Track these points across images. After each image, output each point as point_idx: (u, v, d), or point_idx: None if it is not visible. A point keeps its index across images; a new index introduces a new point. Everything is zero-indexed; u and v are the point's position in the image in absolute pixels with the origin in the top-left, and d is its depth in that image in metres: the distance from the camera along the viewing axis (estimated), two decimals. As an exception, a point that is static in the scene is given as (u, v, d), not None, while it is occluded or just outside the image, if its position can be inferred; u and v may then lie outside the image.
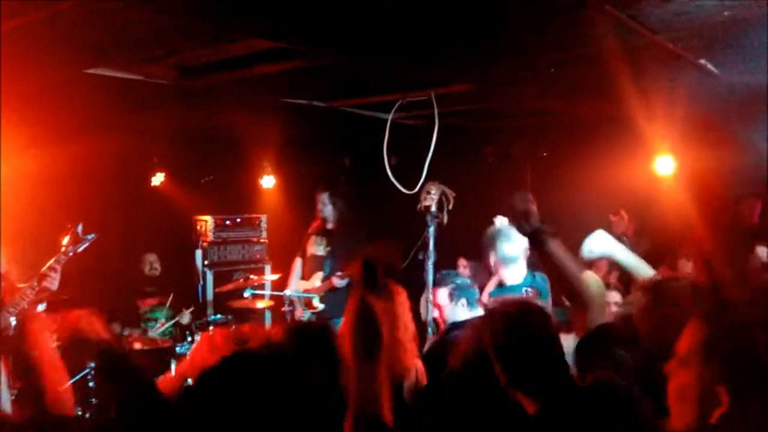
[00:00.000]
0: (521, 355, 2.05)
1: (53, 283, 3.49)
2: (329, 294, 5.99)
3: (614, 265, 5.40)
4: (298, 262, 6.47)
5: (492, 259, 4.26)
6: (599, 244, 3.28)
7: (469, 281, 4.00)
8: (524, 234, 2.35)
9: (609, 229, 5.70)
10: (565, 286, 2.32)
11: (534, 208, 2.34)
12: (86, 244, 3.76)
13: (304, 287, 6.24)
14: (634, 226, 6.62)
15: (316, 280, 6.15)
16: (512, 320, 2.12)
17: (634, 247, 5.72)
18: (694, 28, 2.93)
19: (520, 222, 2.33)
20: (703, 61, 3.60)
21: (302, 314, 6.14)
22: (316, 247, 6.35)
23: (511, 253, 4.17)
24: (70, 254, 3.64)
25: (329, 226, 6.31)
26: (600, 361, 2.06)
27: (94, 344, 2.12)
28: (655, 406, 1.80)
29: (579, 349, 2.15)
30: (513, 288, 4.18)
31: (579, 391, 2.00)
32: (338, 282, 5.94)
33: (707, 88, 4.28)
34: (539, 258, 2.37)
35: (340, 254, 6.13)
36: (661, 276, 2.56)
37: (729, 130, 5.27)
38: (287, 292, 6.23)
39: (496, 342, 2.10)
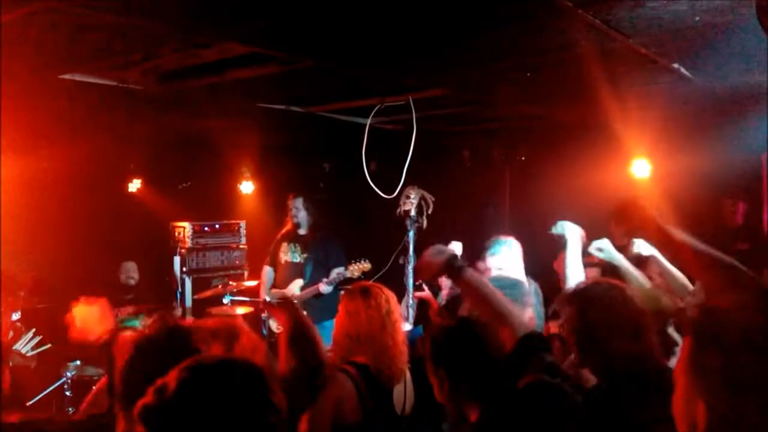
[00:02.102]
0: (465, 367, 2.18)
1: None
2: (311, 299, 5.94)
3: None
4: (267, 270, 6.38)
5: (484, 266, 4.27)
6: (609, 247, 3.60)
7: None
8: (443, 270, 2.49)
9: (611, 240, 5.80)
10: (486, 307, 2.40)
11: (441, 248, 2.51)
12: None
13: (281, 295, 6.19)
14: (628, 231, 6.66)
15: (296, 288, 6.09)
16: (455, 332, 2.26)
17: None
18: (667, 33, 2.97)
19: (437, 267, 2.47)
20: (676, 66, 3.64)
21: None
22: (291, 254, 6.29)
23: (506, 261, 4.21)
24: None
25: (301, 231, 6.27)
26: (530, 366, 2.17)
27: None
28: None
29: (509, 361, 2.25)
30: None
31: (516, 392, 2.12)
32: (325, 288, 5.89)
33: (682, 92, 4.33)
34: (461, 287, 2.52)
35: (319, 260, 6.10)
36: (584, 283, 2.62)
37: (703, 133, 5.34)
38: (266, 298, 6.18)
39: (440, 357, 2.23)
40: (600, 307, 2.32)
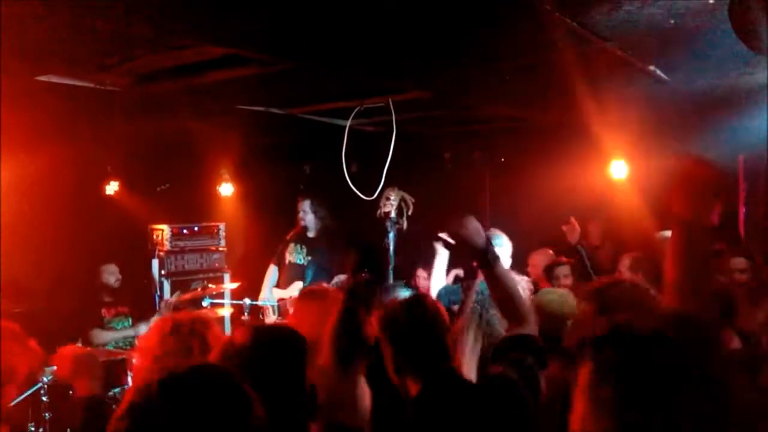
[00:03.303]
0: (412, 340, 2.21)
1: None
2: None
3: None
4: (272, 270, 6.31)
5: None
6: None
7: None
8: (474, 254, 2.38)
9: (562, 239, 5.83)
10: (509, 304, 2.39)
11: (482, 231, 2.38)
12: None
13: (280, 296, 6.13)
14: (600, 231, 6.73)
15: (295, 290, 6.02)
16: (405, 308, 2.29)
17: (593, 254, 5.83)
18: (642, 36, 3.00)
19: (470, 243, 2.35)
20: (652, 68, 3.68)
21: (274, 321, 6.02)
22: (296, 255, 6.23)
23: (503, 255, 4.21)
24: None
25: (310, 234, 6.21)
26: (501, 360, 2.23)
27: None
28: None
29: (492, 356, 2.30)
30: None
31: (461, 378, 2.20)
32: None
33: (658, 95, 4.38)
34: (487, 277, 2.42)
35: (323, 264, 6.03)
36: (600, 282, 2.57)
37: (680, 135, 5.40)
38: (247, 300, 6.13)
39: (390, 327, 2.26)
40: (620, 306, 2.27)
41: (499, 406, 2.09)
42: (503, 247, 4.26)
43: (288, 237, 6.30)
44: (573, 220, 5.74)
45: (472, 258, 2.42)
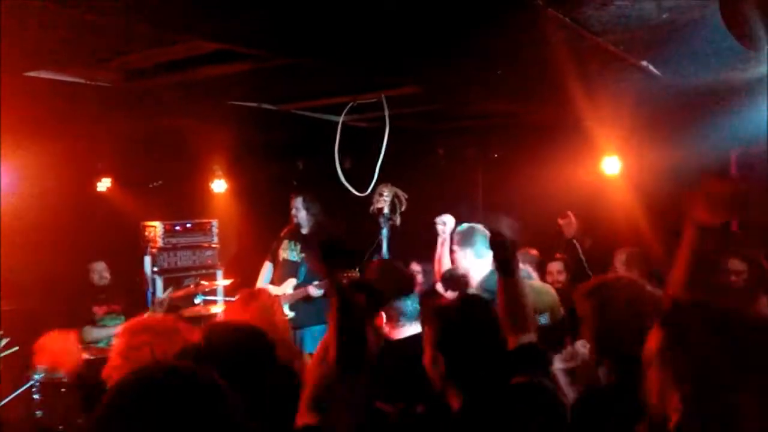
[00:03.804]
0: (465, 351, 2.10)
1: None
2: (301, 302, 5.83)
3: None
4: (267, 266, 6.26)
5: (462, 254, 4.20)
6: None
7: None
8: (500, 258, 2.35)
9: (559, 233, 5.84)
10: (517, 313, 2.34)
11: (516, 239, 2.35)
12: None
13: (274, 293, 6.11)
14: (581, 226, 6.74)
15: (288, 287, 5.97)
16: (459, 315, 2.18)
17: (585, 250, 5.84)
18: (634, 31, 3.00)
19: (502, 247, 2.33)
20: (645, 63, 3.68)
21: None
22: (289, 252, 6.19)
23: (486, 255, 4.15)
24: None
25: (303, 231, 6.19)
26: (524, 367, 2.17)
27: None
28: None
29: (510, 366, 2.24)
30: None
31: (504, 389, 2.10)
32: (315, 291, 5.71)
33: (651, 90, 4.39)
34: (503, 283, 2.36)
35: (312, 260, 6.00)
36: (600, 279, 2.57)
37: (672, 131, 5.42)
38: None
39: (441, 336, 2.14)
40: (620, 303, 2.28)
41: (541, 417, 2.04)
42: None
43: (282, 234, 6.28)
44: (570, 214, 5.75)
45: (495, 261, 2.40)
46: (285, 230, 6.28)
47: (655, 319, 1.58)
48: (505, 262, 2.33)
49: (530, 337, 2.30)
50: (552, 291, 4.35)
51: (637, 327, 2.11)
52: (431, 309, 2.28)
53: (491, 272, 3.87)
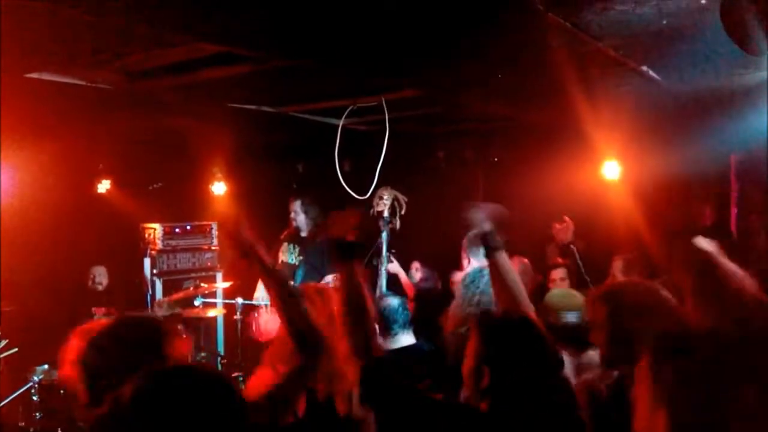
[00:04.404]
0: (511, 365, 2.07)
1: None
2: None
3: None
4: None
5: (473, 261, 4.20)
6: None
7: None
8: (487, 245, 2.46)
9: (553, 239, 5.82)
10: (507, 294, 2.42)
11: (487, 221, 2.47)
12: None
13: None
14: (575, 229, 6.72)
15: None
16: (508, 329, 2.17)
17: (582, 255, 5.83)
18: (634, 36, 3.01)
19: (485, 234, 2.45)
20: (644, 68, 3.69)
21: (268, 320, 5.97)
22: (288, 255, 6.20)
23: None
24: None
25: (303, 234, 6.20)
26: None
27: None
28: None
29: None
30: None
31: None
32: None
33: (651, 95, 4.39)
34: (493, 269, 2.49)
35: (315, 265, 6.01)
36: (614, 284, 2.59)
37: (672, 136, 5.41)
38: (239, 300, 6.13)
39: (487, 350, 2.11)
40: (633, 308, 2.26)
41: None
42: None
43: (282, 237, 6.29)
44: (567, 218, 5.73)
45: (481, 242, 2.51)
46: (285, 233, 6.29)
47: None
48: (488, 240, 2.45)
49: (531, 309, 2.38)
50: (578, 293, 4.33)
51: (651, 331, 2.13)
52: (479, 319, 2.27)
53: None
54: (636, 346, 2.14)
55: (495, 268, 2.49)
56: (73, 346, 2.09)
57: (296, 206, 6.13)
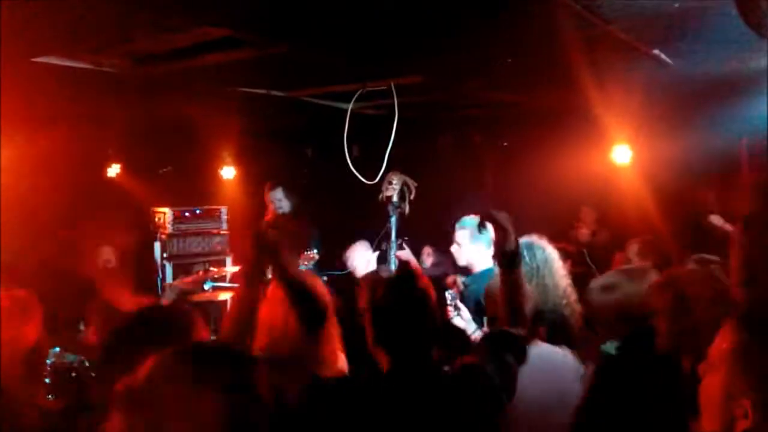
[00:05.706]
0: (393, 316, 2.17)
1: None
2: None
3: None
4: None
5: (474, 248, 4.17)
6: None
7: None
8: (506, 252, 2.36)
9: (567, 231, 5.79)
10: (517, 308, 2.35)
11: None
12: None
13: None
14: (595, 217, 6.71)
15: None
16: (392, 284, 2.25)
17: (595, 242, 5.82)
18: (646, 19, 2.97)
19: (505, 242, 2.35)
20: (656, 51, 3.65)
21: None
22: None
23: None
24: None
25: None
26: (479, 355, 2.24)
27: None
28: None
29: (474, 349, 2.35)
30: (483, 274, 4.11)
31: (432, 363, 2.17)
32: None
33: (662, 79, 4.35)
34: (505, 277, 2.38)
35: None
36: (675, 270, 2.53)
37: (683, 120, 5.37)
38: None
39: (373, 302, 2.21)
40: (697, 292, 2.26)
41: (467, 394, 2.09)
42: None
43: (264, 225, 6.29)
44: (586, 208, 5.66)
45: (498, 254, 2.41)
46: (266, 221, 6.29)
47: (731, 317, 1.48)
48: (506, 255, 2.33)
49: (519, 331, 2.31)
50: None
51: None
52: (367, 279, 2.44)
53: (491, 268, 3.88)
54: (703, 337, 2.14)
55: (511, 278, 2.36)
56: None
57: (279, 194, 6.12)
